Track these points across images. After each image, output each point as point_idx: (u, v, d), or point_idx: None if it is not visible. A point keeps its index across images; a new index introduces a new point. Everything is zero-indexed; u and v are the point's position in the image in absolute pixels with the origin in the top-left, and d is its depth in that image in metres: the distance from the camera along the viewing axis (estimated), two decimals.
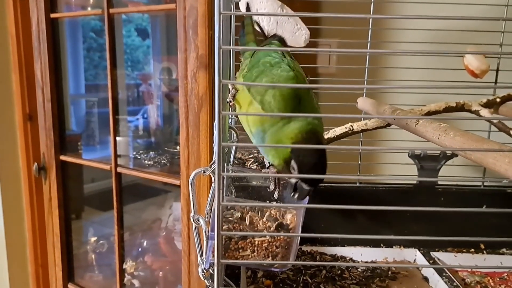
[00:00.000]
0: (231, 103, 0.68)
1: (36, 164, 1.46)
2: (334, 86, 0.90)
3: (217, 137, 0.39)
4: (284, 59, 0.58)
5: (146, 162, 1.44)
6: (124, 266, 1.36)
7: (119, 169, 1.26)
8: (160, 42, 1.71)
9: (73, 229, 1.54)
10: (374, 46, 1.06)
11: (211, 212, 0.52)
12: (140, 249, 1.46)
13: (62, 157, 1.40)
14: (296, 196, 0.49)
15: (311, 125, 0.48)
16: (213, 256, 0.43)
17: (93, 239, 1.58)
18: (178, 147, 1.20)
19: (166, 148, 1.49)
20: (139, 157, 1.49)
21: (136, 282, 1.36)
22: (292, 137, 0.48)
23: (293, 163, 0.48)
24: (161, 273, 1.38)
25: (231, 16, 0.83)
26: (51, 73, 1.36)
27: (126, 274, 1.36)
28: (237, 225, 0.49)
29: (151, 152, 1.50)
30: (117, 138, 1.31)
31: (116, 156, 1.26)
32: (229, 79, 0.78)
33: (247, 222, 0.50)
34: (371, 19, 0.98)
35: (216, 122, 0.39)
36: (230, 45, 0.79)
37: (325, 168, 0.47)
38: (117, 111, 1.29)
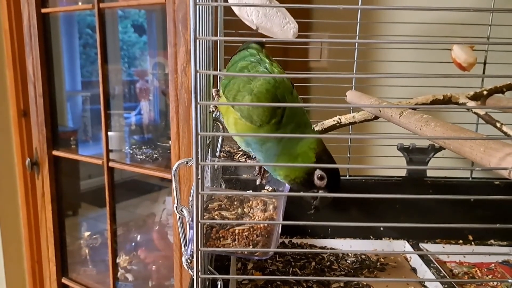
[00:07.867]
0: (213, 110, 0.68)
1: (28, 159, 1.46)
2: (319, 74, 0.91)
3: (194, 126, 0.40)
4: (262, 63, 0.57)
5: (139, 157, 1.45)
6: (117, 260, 1.37)
7: (111, 164, 1.27)
8: (156, 37, 1.70)
9: (69, 225, 1.54)
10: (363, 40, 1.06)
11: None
12: (133, 244, 1.47)
13: (55, 152, 1.41)
14: (316, 205, 0.50)
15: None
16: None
17: (87, 233, 1.59)
18: (170, 142, 1.21)
19: (158, 143, 1.50)
20: (131, 152, 1.49)
21: (129, 276, 1.36)
22: (315, 148, 0.48)
23: (318, 172, 0.48)
24: (154, 266, 1.39)
25: (216, 8, 0.83)
26: (42, 68, 1.36)
27: (119, 268, 1.37)
28: (218, 214, 0.49)
29: (144, 147, 1.50)
30: (110, 133, 1.31)
31: (108, 150, 1.27)
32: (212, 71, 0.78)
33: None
34: (359, 11, 0.98)
35: (192, 111, 0.39)
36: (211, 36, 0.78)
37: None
38: (109, 106, 1.29)
